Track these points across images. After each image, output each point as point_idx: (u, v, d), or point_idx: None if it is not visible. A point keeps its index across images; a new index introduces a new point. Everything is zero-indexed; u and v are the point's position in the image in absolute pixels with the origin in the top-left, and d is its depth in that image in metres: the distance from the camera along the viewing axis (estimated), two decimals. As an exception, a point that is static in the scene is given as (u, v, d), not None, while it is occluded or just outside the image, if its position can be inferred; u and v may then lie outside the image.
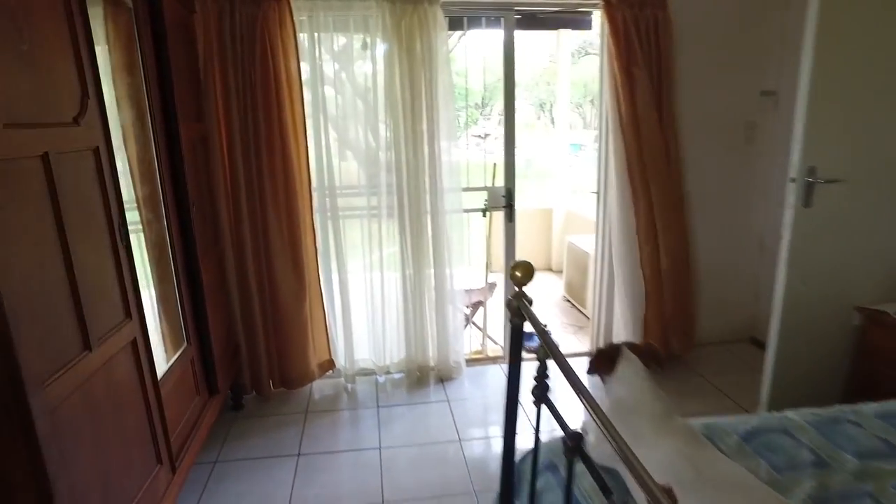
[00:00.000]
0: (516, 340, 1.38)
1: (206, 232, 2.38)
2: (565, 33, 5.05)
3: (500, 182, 3.23)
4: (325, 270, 2.98)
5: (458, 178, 2.97)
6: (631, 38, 2.76)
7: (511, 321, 1.39)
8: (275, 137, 2.63)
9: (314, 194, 2.85)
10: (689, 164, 3.12)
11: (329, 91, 2.82)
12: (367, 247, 3.02)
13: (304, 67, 2.71)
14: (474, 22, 3.14)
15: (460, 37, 3.98)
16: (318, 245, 2.90)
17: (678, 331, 3.18)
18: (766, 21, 3.08)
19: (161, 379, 1.79)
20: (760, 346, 3.45)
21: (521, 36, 3.06)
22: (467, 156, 3.05)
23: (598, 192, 3.33)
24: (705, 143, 3.17)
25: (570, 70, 5.22)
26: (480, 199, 3.20)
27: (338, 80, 2.86)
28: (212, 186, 2.58)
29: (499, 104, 3.22)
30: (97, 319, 1.40)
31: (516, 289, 1.34)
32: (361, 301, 3.09)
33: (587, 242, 4.45)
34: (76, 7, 1.38)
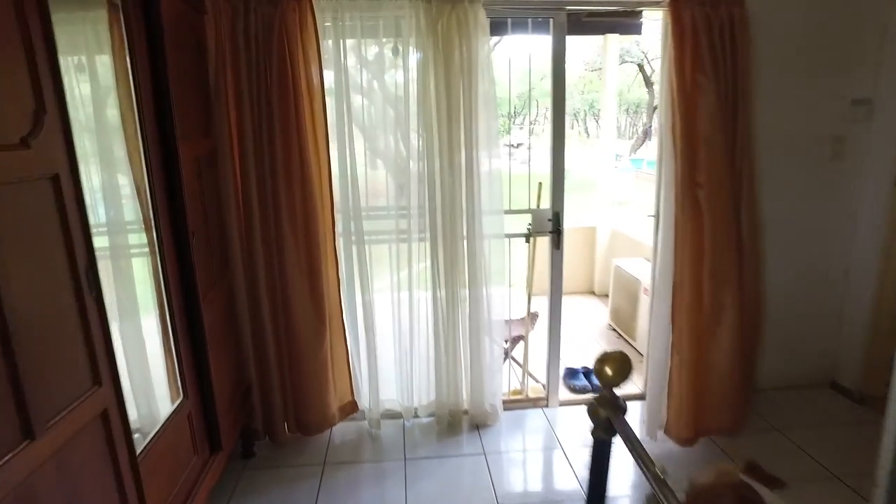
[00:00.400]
0: (598, 464, 0.98)
1: (211, 264, 2.08)
2: (612, 39, 4.66)
3: (545, 202, 2.87)
4: (348, 302, 2.66)
5: (499, 199, 2.62)
6: (699, 40, 2.36)
7: (593, 434, 0.98)
8: (293, 154, 2.33)
9: (337, 217, 2.54)
10: (763, 185, 2.70)
11: (356, 101, 2.51)
12: (395, 275, 2.69)
13: (328, 75, 2.41)
14: (518, 26, 2.80)
15: (495, 44, 3.65)
16: (340, 274, 2.58)
17: (744, 373, 2.73)
18: (863, 19, 2.64)
19: (146, 447, 1.48)
20: (844, 392, 2.99)
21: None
22: (507, 170, 2.70)
23: (656, 216, 2.93)
24: (783, 161, 2.74)
25: (617, 77, 4.83)
26: (521, 223, 2.85)
27: (366, 89, 2.55)
28: (221, 210, 2.29)
29: (532, 113, 2.86)
30: (48, 396, 1.09)
31: (604, 390, 0.93)
32: (388, 335, 2.76)
33: (637, 267, 4.03)
34: (30, 3, 1.09)
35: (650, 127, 24.63)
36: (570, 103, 24.10)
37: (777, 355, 3.00)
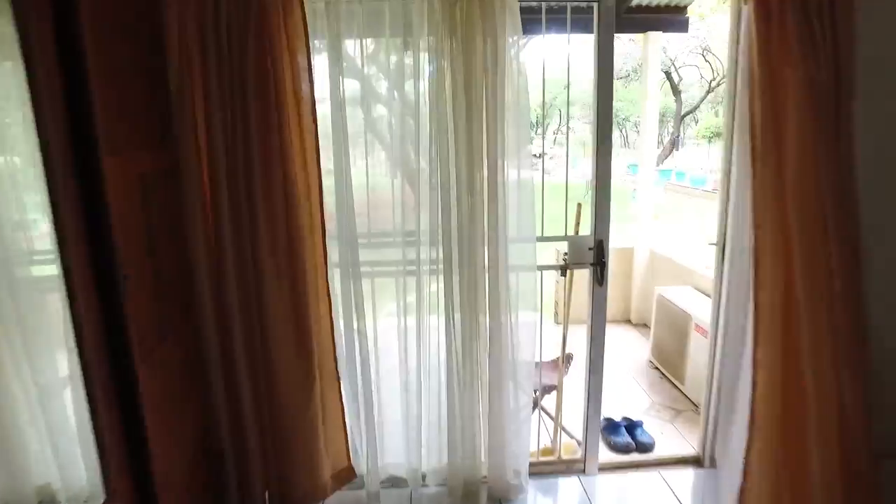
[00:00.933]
0: None
1: (161, 310, 1.63)
2: (653, 39, 4.16)
3: (583, 226, 2.38)
4: (345, 347, 2.20)
5: (531, 223, 2.13)
6: (786, 24, 1.84)
7: None
8: (274, 170, 1.88)
9: (331, 245, 2.08)
10: (867, 206, 2.15)
11: (354, 103, 2.06)
12: (402, 315, 2.22)
13: (320, 72, 1.96)
14: (553, 23, 2.31)
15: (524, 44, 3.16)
16: (335, 313, 2.12)
17: (845, 437, 2.18)
18: None
19: None
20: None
21: (579, 44, 2.25)
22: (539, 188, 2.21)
23: (720, 244, 2.41)
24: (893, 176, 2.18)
25: (657, 81, 4.31)
26: (550, 250, 2.36)
27: (368, 90, 2.10)
28: (183, 239, 1.84)
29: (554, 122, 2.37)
30: None
31: None
32: (392, 385, 2.29)
33: (685, 298, 3.49)
34: None
35: (678, 136, 23.99)
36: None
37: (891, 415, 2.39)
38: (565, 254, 2.33)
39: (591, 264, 2.27)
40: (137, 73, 1.54)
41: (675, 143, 23.14)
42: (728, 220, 2.29)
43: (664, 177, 15.35)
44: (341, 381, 2.18)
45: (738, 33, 2.16)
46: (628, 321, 4.58)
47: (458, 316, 2.16)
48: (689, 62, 22.74)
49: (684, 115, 25.13)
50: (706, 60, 22.82)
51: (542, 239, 2.28)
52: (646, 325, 4.40)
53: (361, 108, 2.13)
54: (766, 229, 1.87)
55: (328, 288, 2.09)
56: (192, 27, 1.76)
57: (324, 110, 1.97)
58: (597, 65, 2.14)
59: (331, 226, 2.09)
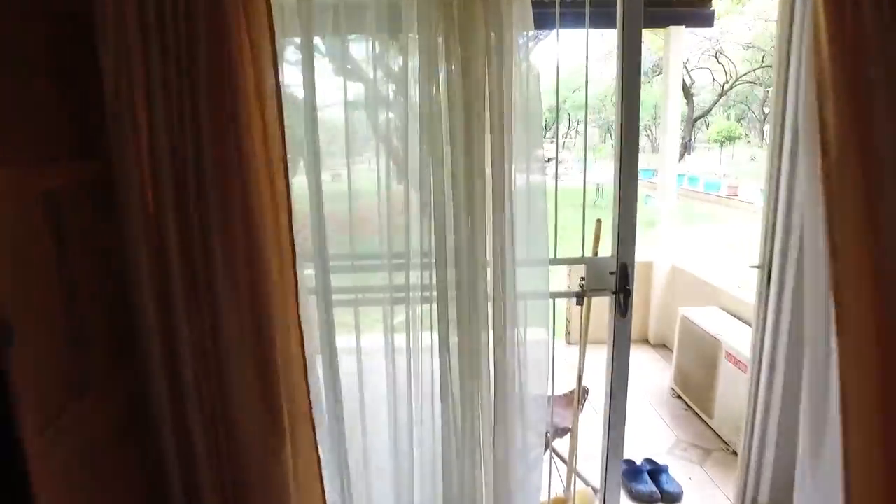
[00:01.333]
0: None
1: (81, 361, 1.31)
2: (675, 34, 3.81)
3: (603, 245, 2.05)
4: (325, 387, 1.88)
5: (543, 242, 1.81)
6: (863, 14, 1.50)
7: None
8: (233, 183, 1.55)
9: (305, 268, 1.77)
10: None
11: (331, 102, 1.74)
12: (390, 347, 1.90)
13: (289, 64, 1.64)
14: (570, 18, 1.99)
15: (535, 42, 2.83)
16: (308, 347, 1.79)
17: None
18: None
19: None
20: None
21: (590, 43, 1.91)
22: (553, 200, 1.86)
23: (763, 267, 2.07)
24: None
25: (679, 80, 3.96)
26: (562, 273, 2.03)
27: (346, 85, 1.77)
28: (114, 272, 1.52)
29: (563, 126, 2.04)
30: None
31: None
32: (377, 428, 1.97)
33: (713, 321, 3.14)
34: None
35: (689, 140, 23.58)
36: (605, 115, 23.16)
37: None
38: (581, 278, 1.99)
39: (613, 292, 1.93)
40: (38, 62, 1.22)
41: (686, 147, 22.73)
42: (775, 240, 1.95)
43: (676, 181, 14.99)
44: (316, 428, 1.86)
45: (789, 20, 1.82)
46: (646, 341, 4.22)
47: (455, 348, 1.84)
48: (700, 65, 22.36)
49: (696, 119, 24.72)
50: (719, 63, 22.42)
51: (557, 262, 1.94)
52: (665, 346, 4.05)
53: (346, 103, 1.81)
54: (849, 260, 1.51)
55: (299, 320, 1.76)
56: (129, 7, 1.44)
57: (294, 108, 1.66)
58: (621, 64, 1.82)
59: (307, 246, 1.78)
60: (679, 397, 3.34)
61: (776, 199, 1.95)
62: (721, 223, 12.54)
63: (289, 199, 1.67)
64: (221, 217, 1.57)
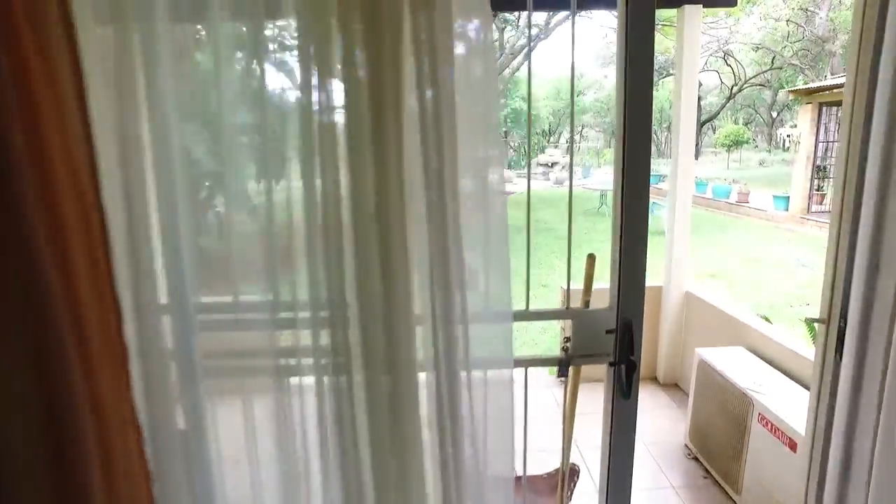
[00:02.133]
0: None
1: None
2: (691, 16, 3.19)
3: (597, 296, 1.45)
4: None
5: (505, 286, 1.20)
6: None
7: None
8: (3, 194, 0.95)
9: (135, 320, 1.16)
10: None
11: (166, 85, 1.14)
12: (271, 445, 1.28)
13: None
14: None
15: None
16: (149, 448, 1.19)
17: None
18: None
19: None
20: None
21: (588, 40, 1.31)
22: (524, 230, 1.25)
23: (825, 321, 1.46)
24: None
25: (696, 73, 3.34)
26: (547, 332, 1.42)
27: (189, 60, 1.17)
28: None
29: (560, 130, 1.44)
30: None
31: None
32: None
33: (740, 368, 2.52)
34: None
35: (696, 145, 22.97)
36: (609, 119, 22.53)
37: None
38: (566, 339, 1.38)
39: (611, 363, 1.32)
40: None
41: (696, 151, 22.17)
42: (851, 285, 1.33)
43: (695, 189, 14.42)
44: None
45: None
46: (654, 379, 3.59)
47: (367, 457, 1.22)
48: (707, 67, 21.73)
49: (703, 123, 24.05)
50: (727, 65, 21.77)
51: (525, 316, 1.33)
52: (678, 387, 3.42)
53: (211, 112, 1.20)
54: None
55: (133, 406, 1.15)
56: None
57: (106, 87, 1.05)
58: (625, 54, 1.21)
59: (160, 295, 1.17)
60: (695, 458, 2.73)
61: (852, 230, 1.33)
62: (736, 232, 11.85)
63: (101, 219, 1.07)
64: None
